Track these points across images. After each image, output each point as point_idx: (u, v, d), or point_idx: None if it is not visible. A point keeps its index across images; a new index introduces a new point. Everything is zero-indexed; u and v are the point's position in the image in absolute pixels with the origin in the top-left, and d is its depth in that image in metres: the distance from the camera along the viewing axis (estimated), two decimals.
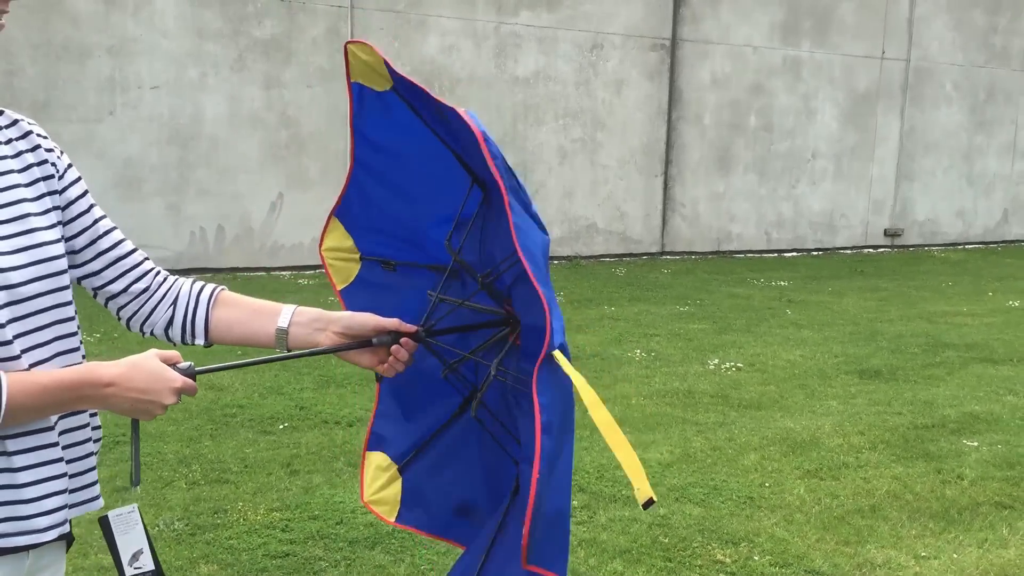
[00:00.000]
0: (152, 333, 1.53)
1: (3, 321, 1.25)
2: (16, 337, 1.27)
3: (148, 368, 1.33)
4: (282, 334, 1.49)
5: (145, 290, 1.50)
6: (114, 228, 1.50)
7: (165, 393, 1.33)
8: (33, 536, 1.31)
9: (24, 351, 1.28)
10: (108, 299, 1.51)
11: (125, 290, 1.49)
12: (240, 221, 9.41)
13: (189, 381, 1.37)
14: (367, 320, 1.50)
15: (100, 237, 1.46)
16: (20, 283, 1.28)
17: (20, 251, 1.29)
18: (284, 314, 1.50)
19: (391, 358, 1.51)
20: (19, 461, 1.29)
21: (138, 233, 8.95)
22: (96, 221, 1.46)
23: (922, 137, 13.26)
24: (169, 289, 1.52)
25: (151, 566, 1.45)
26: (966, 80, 13.45)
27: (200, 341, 1.52)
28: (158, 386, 1.32)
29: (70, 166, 1.45)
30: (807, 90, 12.26)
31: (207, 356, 3.13)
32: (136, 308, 1.51)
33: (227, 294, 1.54)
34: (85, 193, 1.46)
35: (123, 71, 8.76)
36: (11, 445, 1.29)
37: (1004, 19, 13.54)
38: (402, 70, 1.39)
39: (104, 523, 1.43)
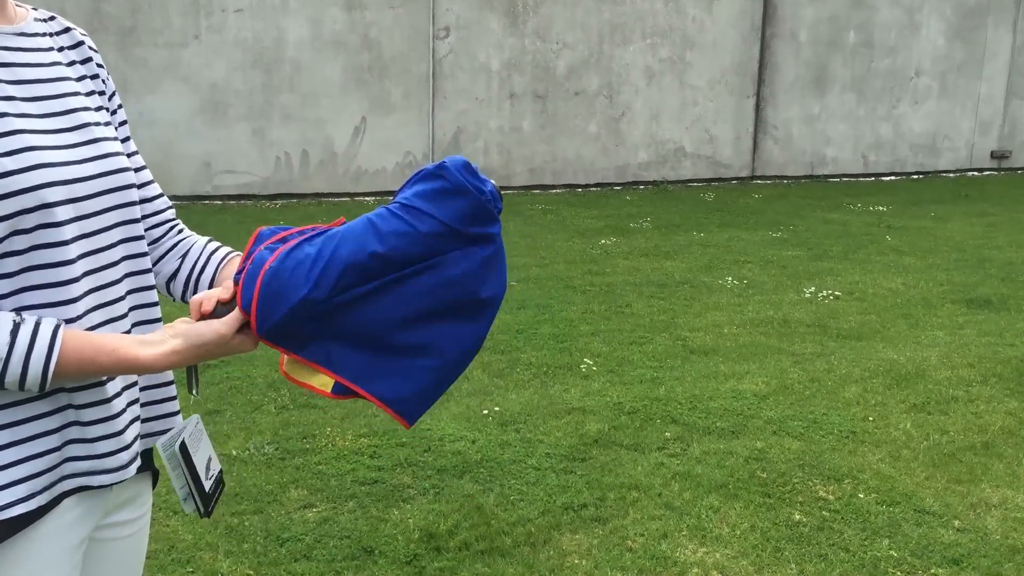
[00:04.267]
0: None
1: (68, 238, 1.13)
2: (80, 257, 1.16)
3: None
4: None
5: (158, 239, 1.38)
6: (144, 167, 1.38)
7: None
8: (116, 474, 1.23)
9: (86, 273, 1.17)
10: None
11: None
12: (324, 146, 9.38)
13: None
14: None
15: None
16: (88, 195, 1.17)
17: (87, 161, 1.17)
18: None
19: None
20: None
21: (225, 158, 9.01)
22: (129, 157, 1.34)
23: None
24: (181, 241, 1.40)
25: (218, 465, 1.39)
26: None
27: None
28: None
29: (115, 93, 1.34)
30: (911, 3, 11.53)
31: None
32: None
33: (237, 257, 1.39)
34: (123, 123, 1.35)
35: None
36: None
37: None
38: None
39: (183, 449, 1.33)
